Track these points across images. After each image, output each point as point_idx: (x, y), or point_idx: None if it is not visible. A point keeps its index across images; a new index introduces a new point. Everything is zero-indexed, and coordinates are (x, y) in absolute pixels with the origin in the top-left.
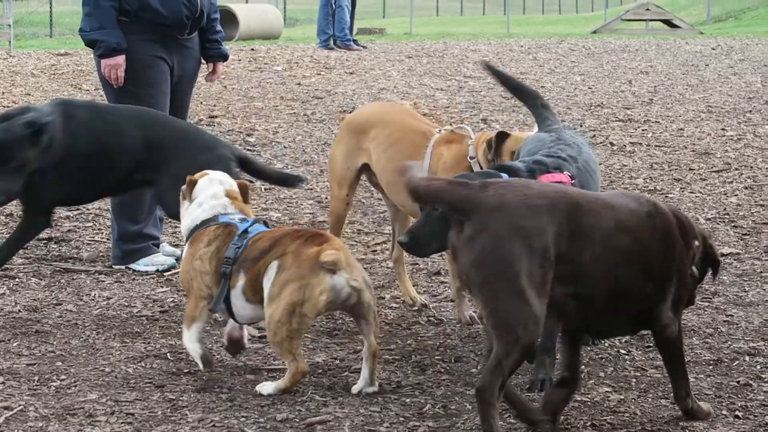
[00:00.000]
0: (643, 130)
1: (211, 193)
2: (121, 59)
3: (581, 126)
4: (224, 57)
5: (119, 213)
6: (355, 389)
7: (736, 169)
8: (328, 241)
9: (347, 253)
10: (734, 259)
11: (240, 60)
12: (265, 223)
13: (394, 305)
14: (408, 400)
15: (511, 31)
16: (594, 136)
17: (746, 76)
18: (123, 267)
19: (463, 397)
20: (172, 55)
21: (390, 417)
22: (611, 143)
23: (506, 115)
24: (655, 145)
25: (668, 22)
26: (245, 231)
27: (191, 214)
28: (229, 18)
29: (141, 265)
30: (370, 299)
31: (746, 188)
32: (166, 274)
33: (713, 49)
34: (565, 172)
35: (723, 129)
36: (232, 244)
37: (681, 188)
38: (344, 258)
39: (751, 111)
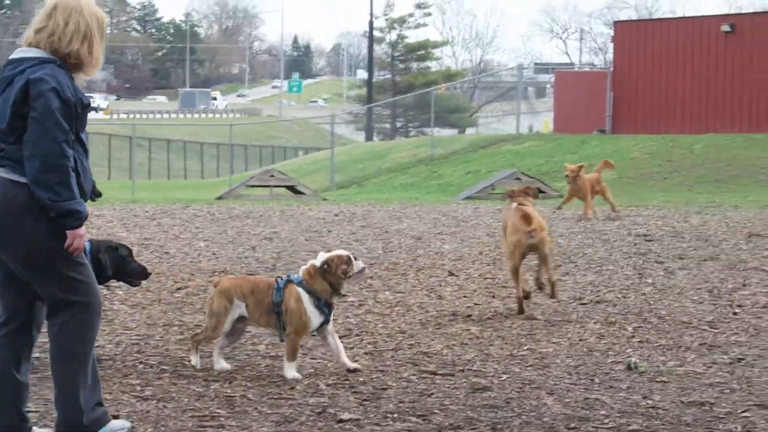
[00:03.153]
0: None
1: None
2: (84, 228)
3: (204, 293)
4: None
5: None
6: None
7: (357, 335)
8: None
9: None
10: (354, 425)
11: None
12: None
13: None
14: None
15: (137, 196)
16: None
17: (368, 242)
18: None
19: None
20: None
21: None
22: None
23: None
24: None
25: (292, 188)
26: None
27: None
28: None
29: None
30: None
31: (367, 353)
32: None
33: (336, 215)
34: None
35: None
36: None
37: (303, 353)
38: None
39: (372, 278)
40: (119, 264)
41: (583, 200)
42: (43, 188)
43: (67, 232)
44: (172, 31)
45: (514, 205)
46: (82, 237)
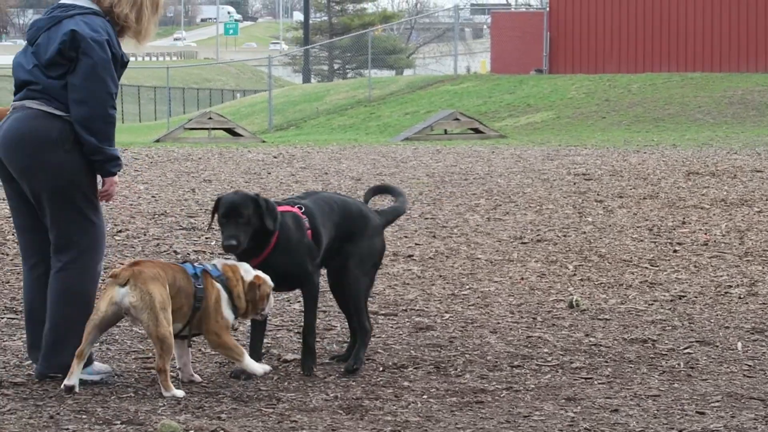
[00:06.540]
0: (206, 238)
1: None
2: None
3: (144, 235)
4: None
5: None
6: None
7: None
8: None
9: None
10: (299, 365)
11: None
12: None
13: None
14: None
15: None
16: (158, 245)
17: (307, 183)
18: None
19: None
20: None
21: None
22: (175, 251)
23: None
24: (219, 254)
25: (231, 131)
26: None
27: None
28: None
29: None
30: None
31: None
32: None
33: (275, 157)
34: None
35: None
36: None
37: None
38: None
39: None
40: None
41: None
42: (91, 132)
43: (105, 178)
44: None
45: None
46: (116, 184)
